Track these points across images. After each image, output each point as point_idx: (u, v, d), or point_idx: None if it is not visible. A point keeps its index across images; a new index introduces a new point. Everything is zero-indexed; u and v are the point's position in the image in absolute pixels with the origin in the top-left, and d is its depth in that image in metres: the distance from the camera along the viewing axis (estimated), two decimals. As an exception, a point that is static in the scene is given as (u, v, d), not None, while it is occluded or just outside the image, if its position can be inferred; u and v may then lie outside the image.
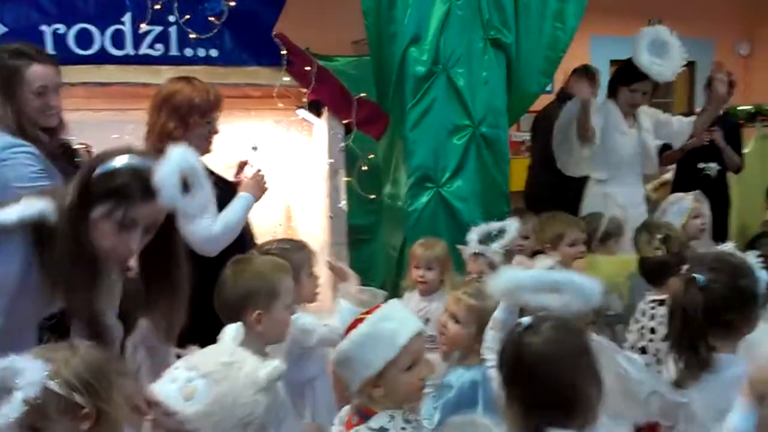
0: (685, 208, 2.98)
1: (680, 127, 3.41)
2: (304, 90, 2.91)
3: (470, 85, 3.14)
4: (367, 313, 1.47)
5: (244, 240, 2.36)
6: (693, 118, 3.42)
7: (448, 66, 3.12)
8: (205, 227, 2.20)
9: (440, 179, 3.23)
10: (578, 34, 3.41)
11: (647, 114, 3.39)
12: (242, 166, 2.67)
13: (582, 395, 1.26)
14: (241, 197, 2.36)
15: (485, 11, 3.10)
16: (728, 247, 1.73)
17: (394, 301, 1.57)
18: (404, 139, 3.21)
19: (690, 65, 6.51)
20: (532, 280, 1.49)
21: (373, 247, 4.66)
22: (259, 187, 2.44)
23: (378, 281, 4.50)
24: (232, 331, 1.32)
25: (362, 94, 3.01)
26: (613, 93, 3.37)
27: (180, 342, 1.93)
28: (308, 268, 2.17)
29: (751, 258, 1.67)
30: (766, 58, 6.57)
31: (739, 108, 4.78)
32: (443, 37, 3.08)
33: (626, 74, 3.30)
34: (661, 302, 2.19)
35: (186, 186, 1.37)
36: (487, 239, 2.55)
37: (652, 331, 2.23)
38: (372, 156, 3.34)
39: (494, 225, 2.61)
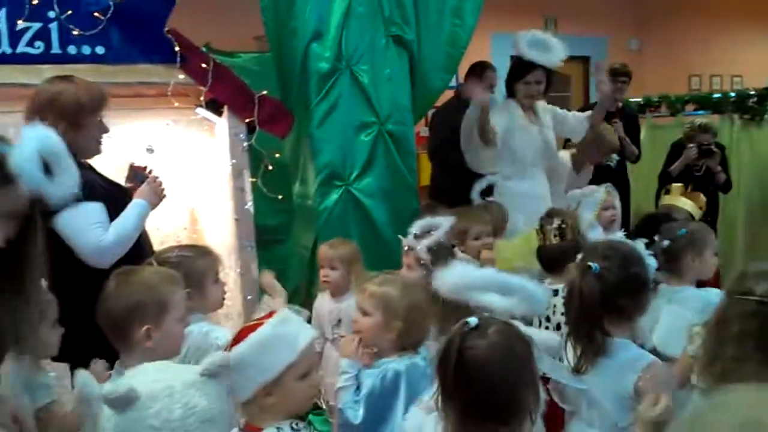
0: (597, 200, 3.11)
1: (576, 122, 3.57)
2: (203, 88, 2.79)
3: (374, 81, 3.14)
4: (260, 321, 1.41)
5: (140, 249, 2.24)
6: (588, 113, 3.57)
7: (352, 63, 3.10)
8: (96, 238, 2.08)
9: (349, 177, 3.21)
10: (478, 31, 3.48)
11: (546, 110, 3.52)
12: (135, 170, 2.53)
13: (519, 400, 1.25)
14: (136, 204, 2.24)
15: (386, 8, 3.10)
16: (619, 235, 1.81)
17: (287, 310, 1.52)
18: (310, 137, 3.16)
19: (585, 60, 6.86)
20: (483, 279, 1.47)
21: (286, 248, 4.57)
22: (155, 193, 2.33)
23: (292, 283, 4.43)
24: None
25: (264, 92, 2.92)
26: (510, 92, 3.47)
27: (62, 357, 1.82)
28: (213, 275, 2.09)
29: (640, 246, 1.75)
30: (655, 54, 6.99)
31: (631, 100, 5.05)
32: (345, 34, 3.06)
33: (517, 69, 3.42)
34: (556, 291, 2.26)
35: (48, 169, 1.24)
36: (423, 234, 2.56)
37: (548, 319, 2.30)
38: (278, 155, 3.26)
39: (435, 220, 2.63)
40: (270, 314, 1.40)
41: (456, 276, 1.50)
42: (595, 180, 3.49)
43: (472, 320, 1.28)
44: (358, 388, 1.77)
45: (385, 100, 3.18)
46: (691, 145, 4.07)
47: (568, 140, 3.98)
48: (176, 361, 1.65)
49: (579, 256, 1.73)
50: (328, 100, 3.12)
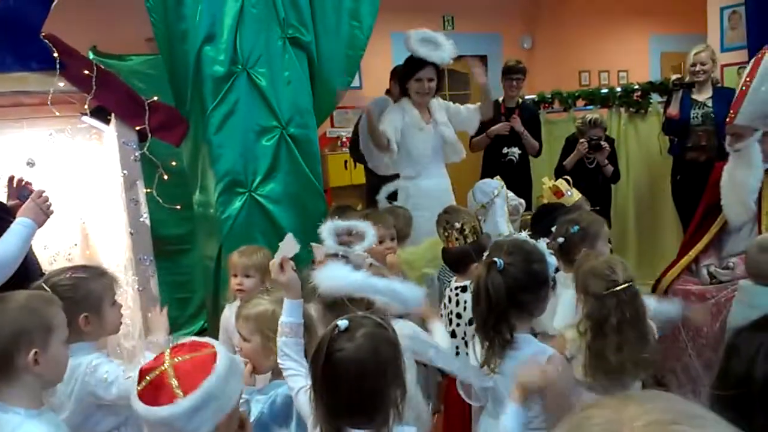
0: (499, 194, 3.16)
1: (468, 114, 3.67)
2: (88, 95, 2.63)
3: (273, 85, 3.07)
4: (155, 361, 1.33)
5: (27, 272, 2.07)
6: (478, 104, 3.67)
7: (248, 66, 3.02)
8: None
9: (252, 183, 3.12)
10: (379, 31, 3.48)
11: (440, 107, 3.59)
12: (16, 184, 2.34)
13: (386, 398, 1.31)
14: (20, 223, 2.08)
15: (281, 9, 3.04)
16: (522, 234, 1.87)
17: (216, 343, 1.45)
18: (208, 143, 3.04)
19: (483, 58, 7.05)
20: (355, 284, 1.49)
21: (192, 258, 4.41)
22: (41, 210, 2.16)
23: (198, 294, 4.29)
24: None
25: (155, 98, 2.78)
26: (404, 91, 3.51)
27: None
28: (111, 296, 1.96)
29: (542, 245, 1.81)
30: (546, 52, 7.29)
31: (526, 97, 5.24)
32: (239, 36, 2.97)
33: (408, 68, 3.48)
34: (464, 288, 2.31)
35: None
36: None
37: (458, 316, 2.34)
38: (174, 163, 3.12)
39: (344, 223, 2.59)
40: (162, 354, 1.33)
41: (332, 277, 1.52)
42: (499, 174, 3.59)
43: (342, 323, 1.34)
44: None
45: (285, 104, 3.12)
46: (583, 140, 4.27)
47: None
48: (58, 389, 1.55)
49: (485, 254, 1.77)
50: (226, 104, 3.01)
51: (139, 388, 1.31)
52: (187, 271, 4.43)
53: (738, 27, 4.65)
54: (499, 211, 3.07)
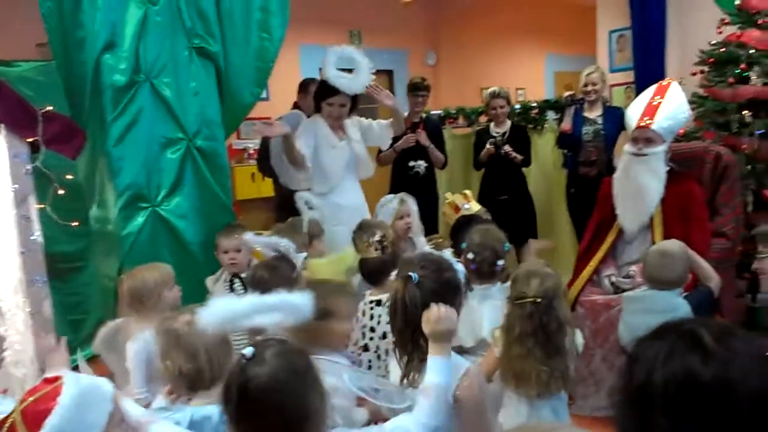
0: (390, 211, 3.21)
1: (380, 130, 3.72)
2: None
3: (179, 95, 2.97)
4: (31, 392, 1.25)
5: None
6: (390, 120, 3.74)
7: (152, 75, 2.90)
8: None
9: (156, 198, 3.00)
10: (287, 43, 3.46)
11: (353, 124, 3.61)
12: None
13: (311, 413, 1.27)
14: None
15: (186, 19, 2.95)
16: (427, 247, 1.92)
17: (69, 373, 1.36)
18: (108, 155, 2.89)
19: (389, 74, 7.18)
20: (246, 307, 1.45)
21: (85, 277, 4.16)
22: None
23: (93, 315, 4.05)
24: None
25: (49, 107, 2.61)
26: (318, 109, 3.52)
27: None
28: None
29: (447, 254, 1.86)
30: (449, 68, 7.53)
31: (432, 112, 5.38)
32: (142, 45, 2.85)
33: (322, 90, 3.48)
34: (378, 302, 2.32)
35: None
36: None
37: (372, 329, 2.35)
38: (70, 177, 2.94)
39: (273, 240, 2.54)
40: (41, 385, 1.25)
41: (219, 311, 1.47)
42: (407, 187, 3.65)
43: (247, 350, 1.27)
44: None
45: (192, 115, 3.03)
46: (489, 144, 4.57)
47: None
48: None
49: (397, 270, 1.79)
50: (127, 115, 2.88)
51: None
52: (81, 291, 4.18)
53: (625, 49, 5.02)
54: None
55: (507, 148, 4.56)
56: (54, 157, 2.73)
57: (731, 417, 0.86)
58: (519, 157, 4.60)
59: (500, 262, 2.37)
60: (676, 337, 0.93)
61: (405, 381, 1.71)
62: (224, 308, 1.43)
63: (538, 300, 1.91)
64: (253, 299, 1.47)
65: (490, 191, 4.66)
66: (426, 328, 1.59)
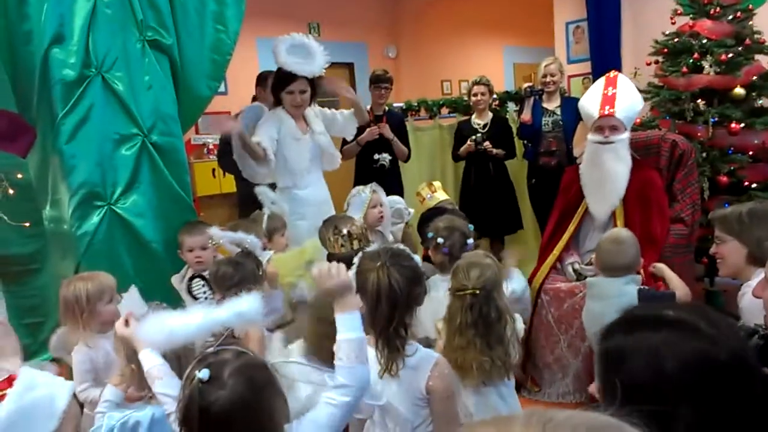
0: (363, 200, 3.20)
1: (344, 120, 3.69)
2: None
3: (132, 90, 2.87)
4: None
5: None
6: (352, 110, 3.71)
7: (103, 69, 2.80)
8: None
9: (111, 196, 2.90)
10: (244, 36, 3.39)
11: (316, 115, 3.56)
12: None
13: (274, 420, 1.25)
14: None
15: (138, 11, 2.85)
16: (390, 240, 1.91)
17: (26, 368, 1.30)
18: (60, 153, 2.78)
19: (349, 66, 7.14)
20: (196, 331, 1.40)
21: (42, 279, 4.01)
22: None
23: (52, 317, 3.90)
24: None
25: (-5, 105, 2.51)
26: (278, 102, 3.45)
27: None
28: None
29: (402, 246, 1.87)
30: (410, 61, 7.53)
31: (395, 105, 5.36)
32: (92, 38, 2.75)
33: (280, 80, 3.42)
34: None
35: None
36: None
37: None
38: (21, 176, 2.83)
39: (239, 235, 2.49)
40: (4, 382, 1.19)
41: (160, 328, 1.42)
42: (372, 180, 3.64)
43: (203, 373, 1.21)
44: None
45: (146, 110, 2.93)
46: (470, 142, 4.59)
47: None
48: None
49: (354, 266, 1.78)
50: (79, 111, 2.77)
51: None
52: (38, 294, 4.03)
53: (581, 41, 5.10)
54: (355, 212, 3.11)
55: (487, 144, 4.57)
56: (2, 156, 2.62)
57: (748, 390, 0.87)
58: (501, 152, 4.62)
59: (470, 241, 2.40)
60: (667, 326, 0.92)
61: (385, 374, 1.69)
62: (169, 330, 1.38)
63: (477, 291, 1.93)
64: (205, 323, 1.42)
65: (471, 183, 4.70)
66: (319, 287, 1.54)
